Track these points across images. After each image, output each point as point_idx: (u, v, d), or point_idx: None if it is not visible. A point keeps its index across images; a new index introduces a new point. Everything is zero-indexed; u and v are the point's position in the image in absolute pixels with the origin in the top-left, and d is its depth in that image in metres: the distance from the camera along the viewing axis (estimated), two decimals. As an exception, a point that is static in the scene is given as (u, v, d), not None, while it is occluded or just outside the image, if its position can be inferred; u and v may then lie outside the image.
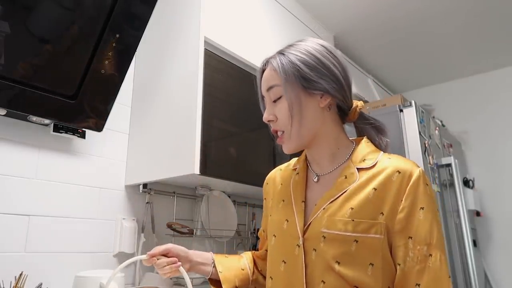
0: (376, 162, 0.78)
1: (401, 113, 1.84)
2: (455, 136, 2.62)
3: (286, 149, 0.83)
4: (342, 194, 0.76)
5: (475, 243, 2.24)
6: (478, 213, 2.45)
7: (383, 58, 2.68)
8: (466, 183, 2.25)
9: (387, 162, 0.77)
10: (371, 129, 0.86)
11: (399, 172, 0.74)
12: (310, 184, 0.85)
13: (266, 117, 0.83)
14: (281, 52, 0.82)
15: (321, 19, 2.19)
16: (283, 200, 0.86)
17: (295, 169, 0.90)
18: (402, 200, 0.73)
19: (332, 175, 0.82)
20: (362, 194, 0.74)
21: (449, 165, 1.97)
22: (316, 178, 0.84)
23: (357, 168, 0.78)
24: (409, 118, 1.81)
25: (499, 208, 2.63)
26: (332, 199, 0.76)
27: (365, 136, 0.86)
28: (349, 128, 0.90)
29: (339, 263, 0.71)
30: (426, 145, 1.81)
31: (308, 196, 0.83)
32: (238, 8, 1.62)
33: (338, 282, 0.71)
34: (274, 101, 0.81)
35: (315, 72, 0.78)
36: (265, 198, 0.97)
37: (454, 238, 1.91)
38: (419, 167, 0.76)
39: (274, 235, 0.84)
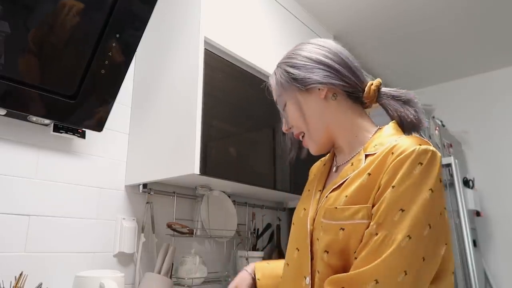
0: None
1: (401, 113, 1.83)
2: (455, 136, 2.61)
3: (311, 151, 0.86)
4: (344, 181, 0.74)
5: (475, 243, 2.24)
6: (478, 213, 2.45)
7: (383, 58, 2.68)
8: (466, 183, 2.25)
9: (391, 144, 0.70)
10: (395, 103, 0.79)
11: (393, 153, 0.68)
12: (331, 174, 0.86)
13: (284, 127, 0.89)
14: (277, 65, 0.89)
15: (321, 19, 2.19)
16: (309, 190, 0.88)
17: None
18: (381, 178, 0.67)
19: (347, 164, 0.80)
20: (358, 181, 0.71)
21: (449, 165, 1.97)
22: (335, 168, 0.84)
23: (366, 155, 0.74)
24: (409, 118, 1.81)
25: (499, 208, 2.63)
26: (335, 187, 0.75)
27: (393, 121, 0.79)
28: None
29: (327, 252, 0.70)
30: (426, 145, 1.81)
31: (326, 186, 0.84)
32: (238, 8, 1.62)
33: (328, 272, 0.69)
34: (284, 111, 0.88)
35: (303, 70, 0.81)
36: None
37: (454, 238, 1.91)
38: (422, 145, 0.67)
39: (293, 223, 0.86)
